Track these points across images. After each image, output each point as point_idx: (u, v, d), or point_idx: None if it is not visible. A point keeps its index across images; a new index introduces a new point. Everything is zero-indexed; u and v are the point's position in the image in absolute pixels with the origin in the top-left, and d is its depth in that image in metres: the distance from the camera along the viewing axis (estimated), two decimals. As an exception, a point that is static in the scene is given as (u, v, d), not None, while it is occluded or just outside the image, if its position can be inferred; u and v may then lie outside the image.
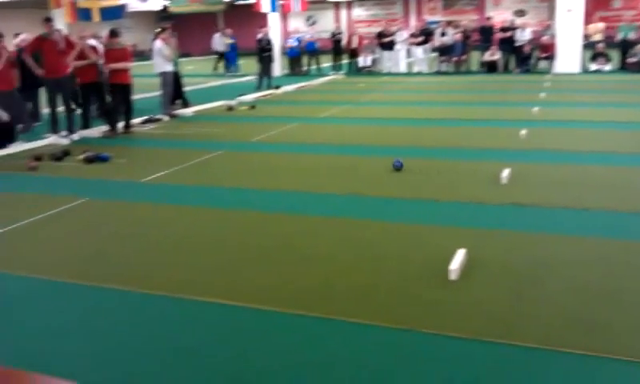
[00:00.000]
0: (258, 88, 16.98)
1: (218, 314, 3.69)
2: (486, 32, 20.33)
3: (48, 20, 9.79)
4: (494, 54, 19.52)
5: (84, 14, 19.43)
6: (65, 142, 9.63)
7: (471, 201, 5.81)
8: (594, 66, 18.41)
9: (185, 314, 3.72)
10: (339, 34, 22.71)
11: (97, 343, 3.39)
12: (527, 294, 3.80)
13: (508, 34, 19.37)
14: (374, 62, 21.81)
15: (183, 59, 18.37)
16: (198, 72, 24.17)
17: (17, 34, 12.19)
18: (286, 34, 23.80)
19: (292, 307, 3.69)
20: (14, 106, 9.58)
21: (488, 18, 22.63)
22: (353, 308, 3.67)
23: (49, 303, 3.96)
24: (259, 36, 18.50)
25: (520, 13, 33.26)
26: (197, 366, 3.12)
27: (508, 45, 19.37)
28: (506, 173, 6.45)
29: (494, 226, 5.10)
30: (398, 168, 7.07)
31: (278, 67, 21.11)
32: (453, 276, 4.00)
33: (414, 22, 32.27)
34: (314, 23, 36.93)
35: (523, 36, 19.32)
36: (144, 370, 3.11)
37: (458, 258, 4.18)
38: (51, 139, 9.70)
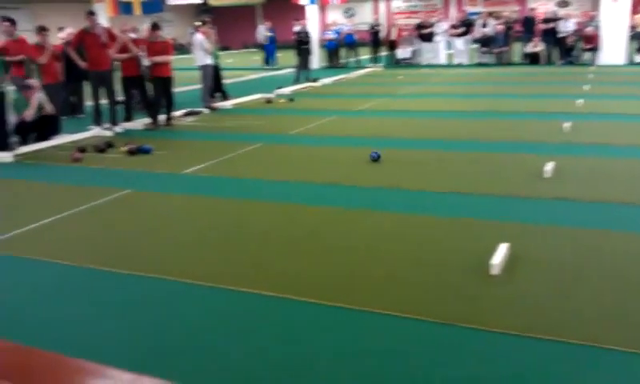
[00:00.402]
0: (297, 81, 17.01)
1: (256, 304, 3.71)
2: (529, 23, 19.95)
3: (91, 13, 9.97)
4: (537, 46, 19.17)
5: (125, 8, 19.73)
6: (108, 134, 9.81)
7: (514, 194, 5.72)
8: (640, 58, 17.93)
9: (221, 302, 3.76)
10: (378, 25, 22.56)
11: (134, 330, 3.46)
12: (571, 290, 3.73)
13: (551, 25, 18.99)
14: (413, 53, 21.62)
15: (222, 52, 18.50)
16: (236, 65, 24.34)
17: (61, 28, 12.46)
18: (324, 27, 23.76)
19: (331, 300, 3.69)
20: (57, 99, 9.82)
21: (532, 9, 22.18)
22: (391, 301, 3.65)
23: (92, 291, 4.04)
24: (296, 28, 18.52)
25: (563, 3, 32.55)
26: (234, 355, 3.15)
27: (551, 36, 18.99)
28: (549, 166, 6.33)
29: (537, 220, 5.01)
30: (375, 159, 7.17)
31: (316, 60, 21.11)
32: (495, 271, 3.95)
33: (454, 13, 31.86)
34: (352, 15, 36.78)
35: (567, 27, 18.91)
36: (173, 353, 3.16)
37: (500, 252, 4.12)
38: (95, 131, 9.90)
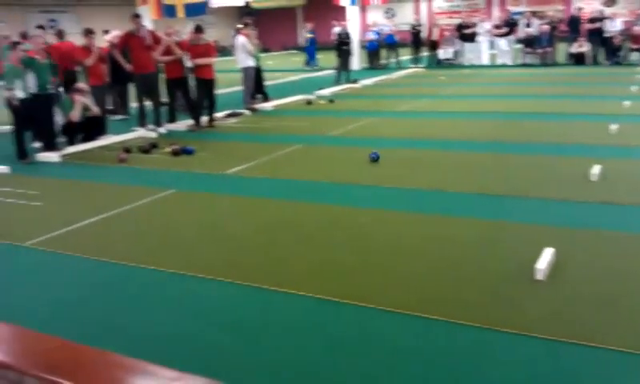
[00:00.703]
0: (337, 82, 17.01)
1: (296, 305, 3.74)
2: (574, 22, 19.53)
3: (136, 16, 10.16)
4: (582, 46, 18.75)
5: (169, 11, 20.03)
6: (153, 135, 9.99)
7: (560, 198, 5.61)
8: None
9: (259, 302, 3.79)
10: (419, 26, 22.40)
11: (183, 328, 3.51)
12: (617, 296, 3.64)
13: (597, 24, 18.55)
14: (455, 54, 21.41)
15: (263, 54, 18.62)
16: (277, 67, 24.49)
17: (106, 31, 12.73)
18: (365, 28, 23.70)
19: (374, 303, 3.69)
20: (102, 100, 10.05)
21: (579, 9, 21.72)
22: (434, 305, 3.62)
23: (139, 290, 4.13)
24: (336, 30, 18.53)
25: (610, 2, 31.76)
26: (271, 355, 3.17)
27: (597, 36, 18.55)
28: (596, 169, 6.19)
29: (583, 224, 4.91)
30: (375, 159, 7.28)
31: (357, 61, 21.08)
32: (539, 276, 3.88)
33: (496, 13, 31.43)
34: (393, 16, 36.60)
35: (613, 26, 18.45)
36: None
37: (546, 257, 4.05)
38: (140, 132, 10.09)
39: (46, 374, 2.04)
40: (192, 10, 20.06)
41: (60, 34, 11.14)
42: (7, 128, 10.19)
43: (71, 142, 9.27)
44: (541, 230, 4.79)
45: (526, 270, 3.99)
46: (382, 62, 22.06)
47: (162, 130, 10.30)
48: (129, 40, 10.07)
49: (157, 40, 10.29)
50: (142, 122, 10.30)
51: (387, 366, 3.04)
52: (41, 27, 10.69)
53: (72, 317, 3.77)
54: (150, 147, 8.71)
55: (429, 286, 3.90)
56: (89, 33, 10.22)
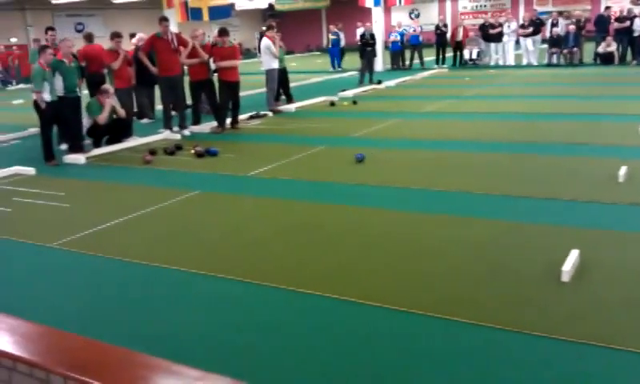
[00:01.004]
0: (360, 83, 16.99)
1: (337, 309, 3.74)
2: (602, 22, 19.24)
3: (164, 19, 10.25)
4: (610, 45, 18.46)
5: (194, 13, 20.22)
6: (177, 136, 10.08)
7: (586, 199, 5.54)
8: None
9: (281, 302, 3.80)
10: (444, 26, 22.26)
11: (208, 328, 3.54)
12: (647, 299, 3.58)
13: (625, 23, 18.25)
14: (480, 54, 21.24)
15: (287, 56, 18.67)
16: (300, 68, 24.53)
17: (132, 34, 12.85)
18: (388, 29, 23.61)
19: (396, 304, 3.68)
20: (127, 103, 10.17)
21: (607, 8, 21.39)
22: (458, 307, 3.60)
23: (164, 290, 4.16)
24: (360, 31, 18.50)
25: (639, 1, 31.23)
26: (312, 356, 3.18)
27: (625, 35, 18.26)
28: (623, 170, 6.09)
29: (610, 226, 4.84)
30: (360, 160, 7.44)
31: (381, 62, 21.02)
32: (565, 277, 3.84)
33: (522, 13, 31.11)
34: (417, 16, 36.45)
35: (642, 25, 18.14)
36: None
37: (571, 258, 4.00)
38: (165, 134, 10.19)
39: (72, 373, 2.07)
40: (217, 13, 20.24)
41: (89, 38, 11.30)
42: (34, 130, 10.38)
43: (97, 144, 9.40)
44: (567, 232, 4.74)
45: (552, 272, 3.95)
46: (406, 62, 21.96)
47: (187, 132, 10.39)
48: (155, 43, 10.16)
49: (183, 43, 10.37)
50: (167, 125, 10.39)
51: (410, 367, 3.03)
52: (51, 29, 10.80)
53: (98, 316, 3.82)
54: (174, 149, 8.79)
55: (453, 288, 3.88)
56: (116, 36, 10.33)
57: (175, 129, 10.37)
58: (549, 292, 3.74)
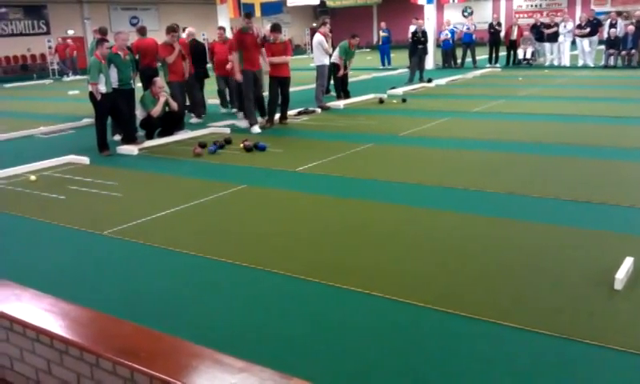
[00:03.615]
0: (410, 81, 16.86)
1: (385, 308, 3.73)
2: (663, 23, 18.57)
3: (248, 15, 10.33)
4: (671, 47, 17.82)
5: (247, 9, 20.42)
6: (227, 131, 10.17)
7: (640, 206, 5.37)
8: None
9: (328, 299, 3.81)
10: (498, 25, 21.87)
11: (256, 321, 3.57)
12: None
13: (689, 24, 17.60)
14: (534, 54, 20.79)
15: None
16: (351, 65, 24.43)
17: (184, 28, 13.02)
18: (441, 26, 23.34)
19: (440, 305, 3.64)
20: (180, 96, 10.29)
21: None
22: (508, 312, 3.54)
23: (211, 281, 4.22)
24: (413, 28, 18.33)
25: None
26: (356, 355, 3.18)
27: (688, 36, 17.60)
28: (682, 177, 5.88)
29: (666, 234, 4.67)
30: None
31: (431, 60, 20.81)
32: (618, 285, 3.72)
33: (579, 13, 30.33)
34: (470, 14, 35.94)
35: None
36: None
37: (625, 266, 3.88)
38: (254, 129, 10.10)
39: (121, 358, 2.11)
40: (269, 9, 20.42)
41: (142, 31, 11.52)
42: (89, 120, 10.65)
43: (150, 136, 9.59)
44: (620, 238, 4.60)
45: (605, 279, 3.84)
46: (458, 61, 21.68)
47: (256, 127, 10.27)
48: (242, 38, 10.00)
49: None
50: (252, 120, 10.21)
51: (462, 372, 3.00)
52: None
53: (146, 304, 3.90)
54: (224, 143, 8.89)
55: (504, 293, 3.81)
56: (172, 30, 10.45)
57: (243, 123, 10.54)
58: (600, 299, 3.63)
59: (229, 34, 13.21)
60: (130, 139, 9.15)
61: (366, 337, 3.35)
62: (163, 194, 6.58)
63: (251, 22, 10.19)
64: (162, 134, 9.70)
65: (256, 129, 10.07)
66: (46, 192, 6.79)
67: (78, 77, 25.42)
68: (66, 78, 26.09)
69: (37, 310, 2.58)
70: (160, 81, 9.67)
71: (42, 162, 8.12)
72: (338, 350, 3.23)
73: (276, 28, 10.61)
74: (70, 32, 29.56)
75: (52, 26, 29.51)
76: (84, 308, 2.60)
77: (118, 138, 9.68)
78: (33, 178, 7.41)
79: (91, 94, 8.55)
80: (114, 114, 8.97)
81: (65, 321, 2.46)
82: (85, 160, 8.25)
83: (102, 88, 8.50)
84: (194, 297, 3.99)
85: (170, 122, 9.76)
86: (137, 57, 10.17)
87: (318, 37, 12.39)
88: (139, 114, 9.67)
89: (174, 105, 9.74)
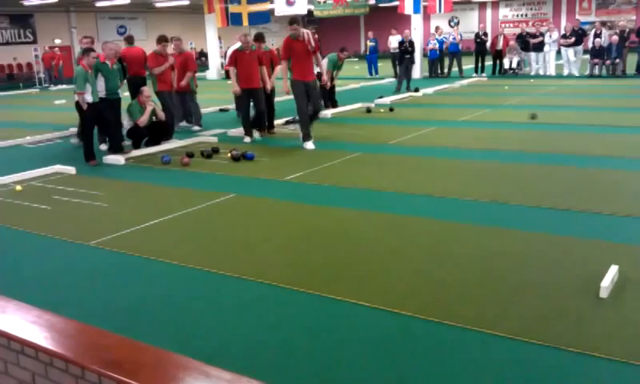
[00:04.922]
0: (397, 90, 16.93)
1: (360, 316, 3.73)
2: (646, 33, 18.81)
3: (294, 21, 9.25)
4: (655, 57, 18.04)
5: (235, 18, 20.47)
6: (214, 140, 10.15)
7: (625, 213, 5.41)
8: None
9: (314, 308, 3.80)
10: (484, 34, 22.04)
11: (237, 329, 3.56)
12: (689, 319, 3.48)
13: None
14: (520, 63, 20.96)
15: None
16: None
17: (171, 39, 12.95)
18: (427, 36, 23.49)
19: (425, 314, 3.65)
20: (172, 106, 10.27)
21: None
22: (495, 320, 3.55)
23: (198, 292, 4.21)
24: (395, 38, 18.44)
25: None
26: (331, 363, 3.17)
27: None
28: (666, 185, 5.94)
29: (651, 242, 4.72)
30: (166, 162, 8.07)
31: (418, 69, 20.92)
32: (604, 293, 3.75)
33: (564, 23, 30.67)
34: (457, 24, 36.21)
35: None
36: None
37: (610, 274, 3.91)
38: (201, 138, 10.24)
39: (107, 370, 2.10)
40: (256, 18, 20.44)
41: (129, 40, 11.49)
42: (75, 130, 10.59)
43: (137, 146, 9.56)
44: (605, 246, 4.64)
45: (590, 288, 3.87)
46: (445, 70, 21.81)
47: (257, 135, 10.31)
48: (292, 45, 9.14)
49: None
50: (307, 131, 9.52)
51: (450, 381, 3.00)
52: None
53: (133, 315, 3.88)
54: (211, 152, 8.88)
55: (490, 301, 3.83)
56: (163, 40, 10.38)
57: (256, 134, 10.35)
58: (585, 308, 3.66)
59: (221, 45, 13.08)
60: (116, 149, 9.11)
61: (355, 346, 3.35)
62: (150, 203, 6.56)
63: (298, 28, 9.13)
64: (149, 144, 9.67)
65: (310, 145, 9.25)
66: (31, 202, 6.74)
67: (64, 86, 25.27)
68: (52, 88, 25.93)
69: (21, 322, 2.56)
70: (147, 90, 9.64)
71: (28, 172, 8.06)
72: (327, 359, 3.23)
73: (259, 37, 10.58)
74: (57, 41, 29.45)
75: (39, 35, 29.38)
76: (69, 320, 2.58)
77: (104, 147, 9.64)
78: (18, 187, 7.36)
79: (77, 104, 8.51)
80: (100, 123, 8.93)
81: (50, 333, 2.44)
82: (71, 170, 8.20)
83: (89, 98, 8.47)
84: (180, 307, 3.97)
85: (157, 132, 9.73)
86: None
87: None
88: (126, 123, 9.64)
89: (161, 114, 9.72)
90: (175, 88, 10.57)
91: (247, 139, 10.08)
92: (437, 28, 22.35)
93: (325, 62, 13.20)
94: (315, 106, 9.61)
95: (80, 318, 2.68)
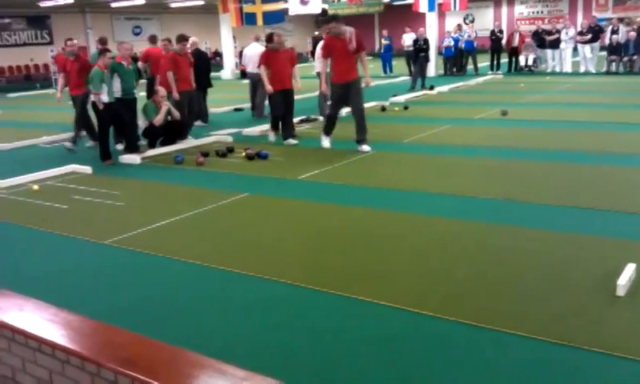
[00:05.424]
0: (412, 88, 16.88)
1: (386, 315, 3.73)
2: (665, 28, 18.57)
3: (334, 19, 9.23)
4: (673, 53, 17.81)
5: (249, 18, 20.52)
6: (229, 139, 10.16)
7: (643, 212, 5.36)
8: None
9: (330, 307, 3.80)
10: (499, 32, 21.88)
11: (253, 330, 3.57)
12: None
13: (690, 30, 17.58)
14: (536, 61, 20.80)
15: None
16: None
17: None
18: (442, 34, 23.37)
19: (440, 313, 3.63)
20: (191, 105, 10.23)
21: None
22: (510, 319, 3.53)
23: (212, 290, 4.22)
24: (409, 36, 18.36)
25: None
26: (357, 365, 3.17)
27: (690, 42, 17.58)
28: (685, 183, 5.87)
29: (669, 240, 4.66)
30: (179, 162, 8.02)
31: (433, 67, 20.83)
32: (621, 292, 3.71)
33: (580, 19, 30.38)
34: (472, 21, 36.01)
35: None
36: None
37: (627, 272, 3.87)
38: (217, 137, 10.26)
39: (122, 368, 2.11)
40: (271, 18, 20.48)
41: (153, 40, 11.55)
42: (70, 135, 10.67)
43: (152, 145, 9.61)
44: (622, 245, 4.59)
45: (606, 286, 3.83)
46: (460, 68, 21.69)
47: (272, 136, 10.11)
48: (333, 43, 8.68)
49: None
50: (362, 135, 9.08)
51: (464, 380, 2.99)
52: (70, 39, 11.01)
53: (148, 314, 3.90)
54: (226, 151, 8.91)
55: (506, 300, 3.80)
56: (182, 40, 10.36)
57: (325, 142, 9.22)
58: (602, 306, 3.63)
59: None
60: (132, 148, 9.17)
61: (367, 345, 3.34)
62: (165, 202, 6.59)
63: (338, 25, 8.58)
64: (165, 143, 9.71)
65: (326, 142, 9.06)
66: (48, 201, 6.80)
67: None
68: (67, 88, 26.08)
69: (39, 320, 2.59)
70: (162, 90, 9.68)
71: (44, 172, 8.14)
72: (339, 359, 3.23)
73: (271, 38, 10.32)
74: (74, 42, 29.60)
75: (55, 35, 29.60)
76: (85, 318, 2.60)
77: (120, 147, 9.70)
78: (35, 187, 7.43)
79: (94, 104, 8.58)
80: (116, 123, 8.99)
81: (66, 331, 2.46)
82: (87, 169, 8.26)
83: (105, 98, 8.53)
84: (195, 306, 3.99)
85: (172, 131, 9.77)
86: (146, 64, 10.16)
87: (322, 45, 12.41)
88: (141, 123, 9.69)
89: (176, 114, 9.75)
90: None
91: (292, 141, 9.61)
92: (458, 25, 22.24)
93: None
94: (357, 108, 8.90)
95: (95, 316, 2.71)
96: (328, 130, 9.18)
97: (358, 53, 8.64)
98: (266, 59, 9.71)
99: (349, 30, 8.56)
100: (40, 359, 2.43)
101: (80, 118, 10.01)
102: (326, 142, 9.14)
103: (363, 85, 8.91)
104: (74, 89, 10.08)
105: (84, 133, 10.20)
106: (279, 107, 9.73)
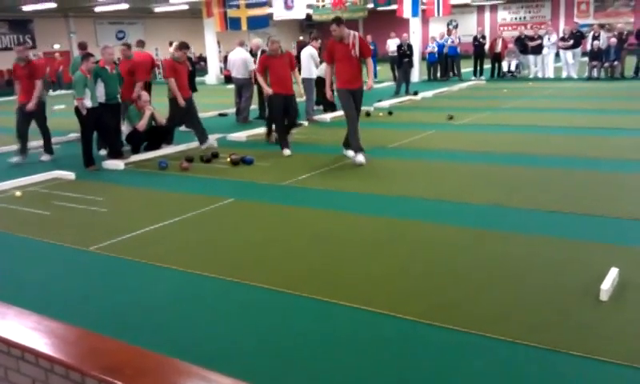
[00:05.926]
0: (397, 94, 16.94)
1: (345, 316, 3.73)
2: (644, 35, 18.82)
3: (337, 21, 8.59)
4: (653, 59, 18.04)
5: (233, 23, 20.48)
6: (214, 144, 10.12)
7: (625, 216, 5.41)
8: None
9: (314, 313, 3.80)
10: (482, 37, 22.05)
11: (238, 335, 3.56)
12: (690, 321, 3.48)
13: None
14: (519, 66, 20.98)
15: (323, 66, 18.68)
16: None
17: (171, 42, 12.96)
18: (426, 39, 23.49)
19: (427, 318, 3.64)
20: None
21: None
22: (495, 323, 3.55)
23: (198, 297, 4.20)
24: (393, 42, 18.45)
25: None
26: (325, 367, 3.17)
27: (670, 48, 17.83)
28: (665, 187, 5.94)
29: (651, 244, 4.71)
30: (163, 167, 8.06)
31: (417, 73, 20.93)
32: (604, 296, 3.75)
33: (562, 25, 30.71)
34: (455, 27, 36.24)
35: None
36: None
37: (610, 277, 3.91)
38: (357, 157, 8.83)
39: (107, 376, 2.09)
40: (255, 23, 20.46)
41: (141, 44, 11.48)
42: (75, 136, 10.59)
43: (136, 151, 9.55)
44: (605, 249, 4.64)
45: (590, 290, 3.86)
46: (444, 74, 21.82)
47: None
48: (334, 48, 8.39)
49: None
50: (357, 146, 8.62)
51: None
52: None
53: (133, 321, 3.87)
54: (210, 156, 8.88)
55: (491, 304, 3.82)
56: (184, 47, 9.94)
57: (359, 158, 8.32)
58: (586, 310, 3.66)
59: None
60: (116, 154, 9.11)
61: (356, 351, 3.34)
62: (150, 208, 6.55)
63: (338, 28, 8.23)
64: (149, 148, 9.66)
65: (360, 158, 8.23)
66: (31, 208, 6.74)
67: (63, 91, 25.21)
68: (51, 93, 25.82)
69: (21, 328, 2.55)
70: (145, 95, 9.64)
71: (27, 178, 8.07)
72: (327, 365, 3.22)
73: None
74: (56, 46, 29.41)
75: (38, 40, 29.39)
76: (69, 325, 2.57)
77: (104, 152, 9.63)
78: (18, 193, 7.36)
79: (77, 109, 8.51)
80: (99, 128, 8.93)
81: (50, 339, 2.44)
82: (70, 175, 8.20)
83: (88, 103, 8.47)
84: (180, 313, 3.97)
85: (156, 136, 9.73)
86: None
87: (309, 49, 12.48)
88: (125, 128, 9.63)
89: (161, 119, 9.71)
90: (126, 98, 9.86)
91: (287, 152, 9.14)
92: (448, 30, 22.33)
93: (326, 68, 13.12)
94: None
95: (80, 324, 2.68)
96: (355, 138, 8.34)
97: (363, 58, 8.30)
98: (264, 64, 9.46)
99: (352, 34, 8.30)
100: (23, 368, 2.40)
101: (17, 127, 9.63)
102: (360, 157, 8.22)
103: (365, 88, 8.61)
104: (23, 95, 9.57)
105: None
106: (278, 110, 9.39)
